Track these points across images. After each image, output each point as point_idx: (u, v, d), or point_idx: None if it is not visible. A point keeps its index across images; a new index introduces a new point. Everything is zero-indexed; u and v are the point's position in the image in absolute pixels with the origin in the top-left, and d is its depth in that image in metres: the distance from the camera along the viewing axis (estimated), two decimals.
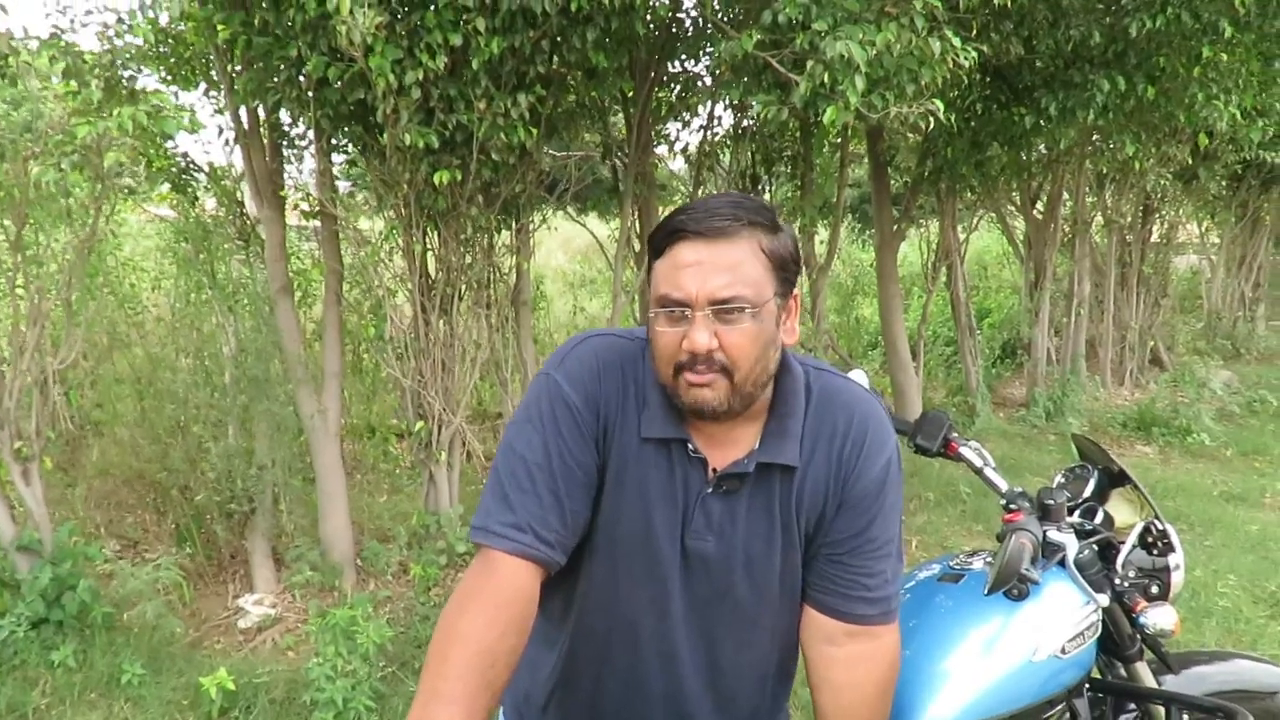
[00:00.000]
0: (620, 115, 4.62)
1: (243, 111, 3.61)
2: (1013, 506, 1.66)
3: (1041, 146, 5.84)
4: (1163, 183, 7.17)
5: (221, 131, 3.70)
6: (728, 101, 4.57)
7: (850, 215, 14.37)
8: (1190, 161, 6.97)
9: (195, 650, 3.39)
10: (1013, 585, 1.47)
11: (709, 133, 4.75)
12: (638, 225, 4.92)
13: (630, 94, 4.17)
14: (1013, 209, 7.62)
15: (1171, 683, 1.82)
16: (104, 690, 2.98)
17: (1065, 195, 7.14)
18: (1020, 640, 1.55)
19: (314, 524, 4.00)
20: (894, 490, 1.24)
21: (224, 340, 4.38)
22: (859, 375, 1.98)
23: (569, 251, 12.25)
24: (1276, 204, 9.99)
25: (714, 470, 1.21)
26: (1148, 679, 1.77)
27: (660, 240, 1.15)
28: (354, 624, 3.06)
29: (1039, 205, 7.47)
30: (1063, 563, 1.64)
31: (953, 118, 2.97)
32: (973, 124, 5.11)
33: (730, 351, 1.11)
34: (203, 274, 4.46)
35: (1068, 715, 1.70)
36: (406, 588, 3.86)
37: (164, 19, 3.34)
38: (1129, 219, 8.06)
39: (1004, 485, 1.78)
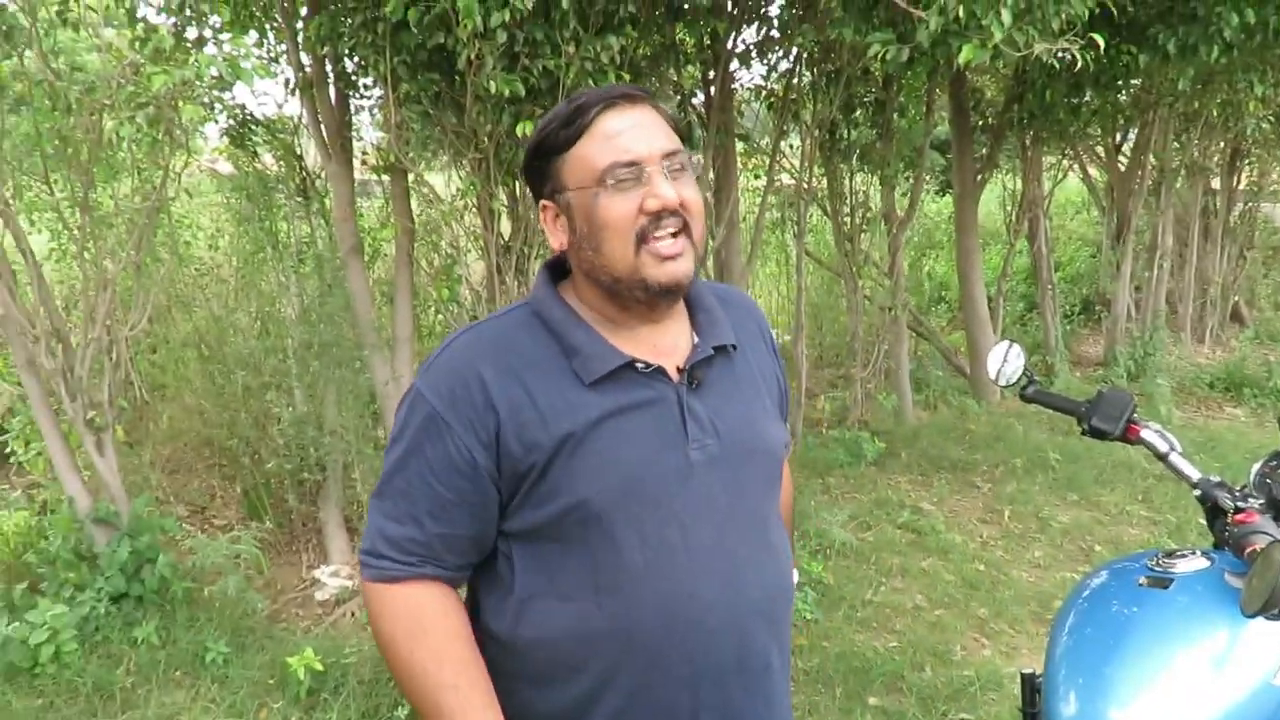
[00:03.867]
0: (695, 61, 4.33)
1: (307, 60, 3.40)
2: (1243, 506, 1.45)
3: (1138, 88, 5.44)
4: (1263, 126, 6.69)
5: (289, 83, 3.48)
6: (804, 44, 4.26)
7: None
8: None
9: (275, 624, 3.29)
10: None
11: (795, 78, 4.44)
12: (713, 177, 4.66)
13: (718, 33, 3.87)
14: (1097, 157, 7.21)
15: None
16: (188, 668, 2.89)
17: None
18: (1258, 656, 1.35)
19: None
20: None
21: (287, 302, 4.24)
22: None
23: None
24: None
25: (679, 369, 1.13)
26: None
27: (567, 129, 1.07)
28: None
29: (1122, 152, 7.06)
30: None
31: (1086, 56, 2.67)
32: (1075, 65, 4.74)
33: (689, 206, 1.08)
34: (263, 232, 4.31)
35: None
36: None
37: None
38: (1216, 165, 7.61)
39: (1195, 474, 1.57)
